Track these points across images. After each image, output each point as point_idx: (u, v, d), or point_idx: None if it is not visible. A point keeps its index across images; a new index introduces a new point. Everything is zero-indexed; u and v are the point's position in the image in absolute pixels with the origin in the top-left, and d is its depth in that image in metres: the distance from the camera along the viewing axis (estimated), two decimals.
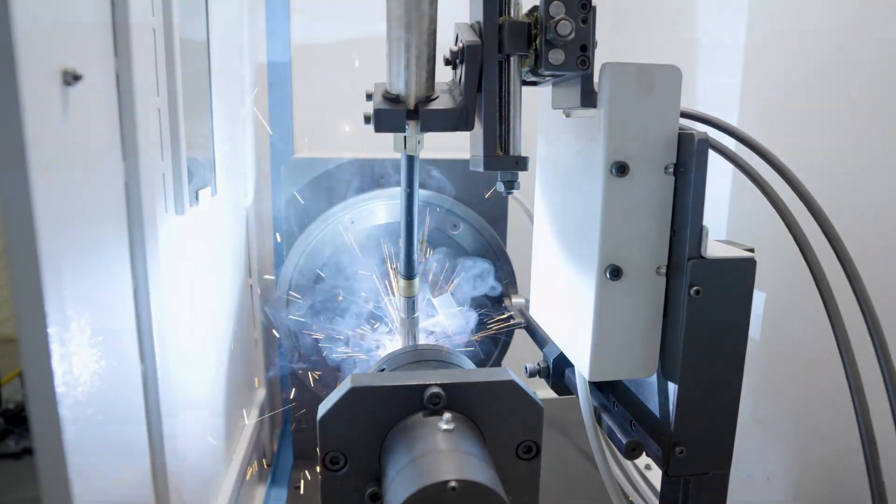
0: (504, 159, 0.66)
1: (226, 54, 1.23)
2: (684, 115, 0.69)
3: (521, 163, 0.66)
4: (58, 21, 0.54)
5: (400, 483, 0.53)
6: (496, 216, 1.40)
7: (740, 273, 0.64)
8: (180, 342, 0.88)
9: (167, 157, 0.82)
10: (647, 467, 1.39)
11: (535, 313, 0.89)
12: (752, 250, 0.66)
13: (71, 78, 0.53)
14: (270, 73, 1.63)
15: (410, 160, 0.80)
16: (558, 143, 0.77)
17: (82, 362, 0.56)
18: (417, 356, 0.79)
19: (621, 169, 0.62)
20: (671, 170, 0.64)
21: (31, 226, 0.47)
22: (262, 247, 1.62)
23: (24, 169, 0.46)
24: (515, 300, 1.27)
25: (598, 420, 0.77)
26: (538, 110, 0.84)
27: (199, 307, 1.02)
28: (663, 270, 0.66)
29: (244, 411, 1.39)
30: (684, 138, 0.63)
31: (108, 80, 0.65)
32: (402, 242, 0.86)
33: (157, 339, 0.75)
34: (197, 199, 0.95)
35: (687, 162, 0.62)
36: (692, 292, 0.63)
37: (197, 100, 1.01)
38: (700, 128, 0.66)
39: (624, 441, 0.71)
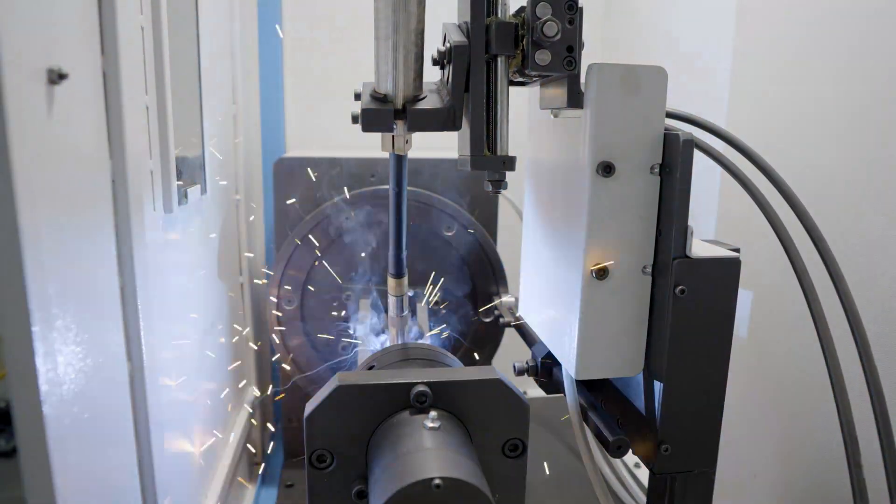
0: (491, 159, 0.66)
1: (216, 52, 1.23)
2: (670, 115, 0.69)
3: (509, 163, 0.67)
4: (43, 19, 0.53)
5: (385, 480, 0.53)
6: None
7: (725, 272, 0.64)
8: (169, 340, 0.88)
9: (155, 154, 0.82)
10: (637, 465, 1.40)
11: (524, 312, 0.89)
12: (737, 250, 0.67)
13: (56, 76, 0.53)
14: (262, 71, 1.63)
15: (399, 160, 0.80)
16: (546, 143, 0.78)
17: (67, 361, 0.56)
18: (405, 354, 0.79)
19: (607, 169, 0.63)
20: (657, 170, 0.64)
21: (15, 224, 0.47)
22: (253, 245, 1.62)
23: (8, 168, 0.46)
24: (505, 299, 1.27)
25: (585, 418, 0.77)
26: (526, 110, 0.84)
27: (188, 305, 1.02)
28: (649, 270, 0.66)
29: (234, 409, 1.39)
30: (670, 139, 0.63)
31: (94, 79, 0.65)
32: (390, 241, 0.86)
33: (144, 337, 0.75)
34: (186, 197, 0.95)
35: (672, 162, 0.63)
36: (677, 291, 0.63)
37: (186, 97, 1.00)
38: (686, 128, 0.66)
39: (610, 439, 0.71)
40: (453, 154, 0.74)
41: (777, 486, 1.03)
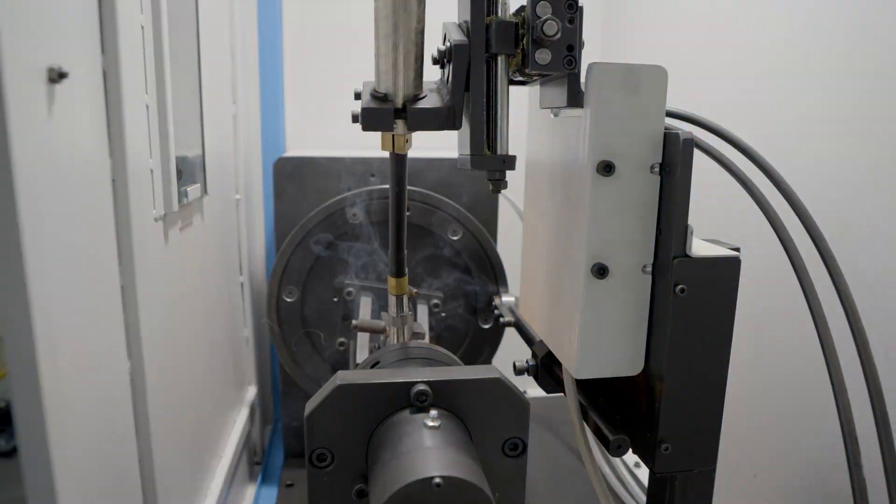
0: (491, 158, 0.66)
1: (216, 51, 1.23)
2: (670, 114, 0.69)
3: (508, 162, 0.66)
4: (43, 18, 0.53)
5: (385, 479, 0.53)
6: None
7: (725, 272, 0.64)
8: (169, 340, 0.88)
9: (155, 154, 0.82)
10: (637, 464, 1.40)
11: (524, 311, 0.89)
12: (737, 249, 0.67)
13: (56, 76, 0.53)
14: (262, 70, 1.63)
15: (399, 159, 0.80)
16: (546, 142, 0.78)
17: (68, 360, 0.56)
18: (405, 354, 0.80)
19: (607, 168, 0.63)
20: (657, 169, 0.64)
21: (16, 224, 0.47)
22: (253, 244, 1.62)
23: (9, 167, 0.46)
24: (505, 298, 1.27)
25: (585, 417, 0.77)
26: (526, 110, 0.84)
27: (188, 305, 1.02)
28: (649, 269, 0.66)
29: (234, 408, 1.39)
30: (670, 138, 0.63)
31: (94, 78, 0.65)
32: (390, 241, 0.86)
33: (144, 336, 0.75)
34: (186, 196, 0.95)
35: (672, 161, 0.63)
36: (677, 290, 0.63)
37: (187, 97, 1.00)
38: (686, 127, 0.66)
39: (610, 438, 0.71)
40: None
41: (777, 485, 1.03)
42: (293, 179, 1.37)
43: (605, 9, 1.74)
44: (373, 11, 0.66)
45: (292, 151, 1.63)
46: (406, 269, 0.88)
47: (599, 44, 1.75)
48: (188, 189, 0.96)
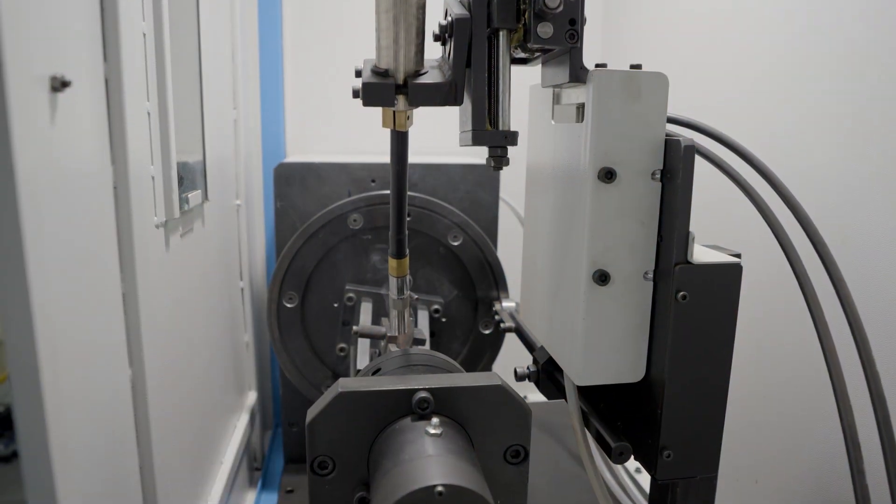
0: (493, 133, 0.65)
1: (217, 56, 1.23)
2: (671, 120, 0.69)
3: (510, 137, 0.65)
4: (46, 27, 0.54)
5: (387, 487, 0.53)
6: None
7: (726, 278, 0.65)
8: (170, 345, 0.88)
9: (157, 160, 0.82)
10: (638, 470, 1.39)
11: (525, 317, 0.89)
12: (738, 255, 0.67)
13: (59, 84, 0.53)
14: (262, 76, 1.63)
15: (400, 136, 0.79)
16: (547, 148, 0.78)
17: (70, 365, 0.56)
18: (407, 360, 0.79)
19: (608, 175, 0.63)
20: (658, 176, 0.64)
21: (18, 230, 0.47)
22: (254, 250, 1.62)
23: (11, 174, 0.46)
24: (506, 304, 1.27)
25: (587, 423, 0.77)
26: (527, 98, 0.83)
27: (189, 310, 1.02)
28: (650, 275, 0.66)
29: (234, 414, 1.39)
30: (671, 145, 0.63)
31: (96, 85, 0.65)
32: (391, 221, 0.84)
33: (145, 342, 0.75)
34: (187, 202, 0.95)
35: (674, 168, 0.63)
36: (679, 297, 0.63)
37: (188, 103, 1.01)
38: (687, 134, 0.66)
39: (612, 445, 0.71)
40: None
41: (779, 491, 1.03)
42: (293, 185, 1.37)
43: (604, 11, 1.74)
44: (374, 16, 0.65)
45: (293, 157, 1.64)
46: (407, 251, 0.87)
47: (599, 46, 1.75)
48: (189, 195, 0.96)
